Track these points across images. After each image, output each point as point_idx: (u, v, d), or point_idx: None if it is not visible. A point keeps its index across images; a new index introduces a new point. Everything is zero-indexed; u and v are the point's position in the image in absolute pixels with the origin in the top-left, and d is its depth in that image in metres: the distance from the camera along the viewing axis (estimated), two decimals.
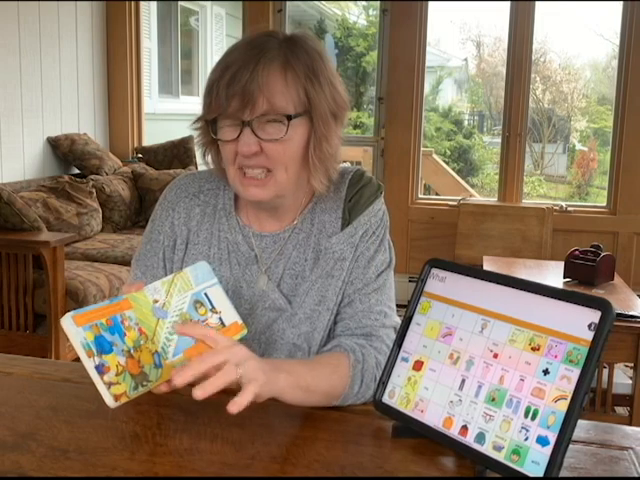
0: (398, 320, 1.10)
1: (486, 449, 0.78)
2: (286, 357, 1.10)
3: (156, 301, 0.93)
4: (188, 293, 0.95)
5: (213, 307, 0.96)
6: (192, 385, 0.82)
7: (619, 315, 2.17)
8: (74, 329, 0.82)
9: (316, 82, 1.04)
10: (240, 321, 0.98)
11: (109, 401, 0.81)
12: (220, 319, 0.96)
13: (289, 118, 1.01)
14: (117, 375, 0.83)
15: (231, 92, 1.00)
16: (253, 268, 1.13)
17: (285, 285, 1.12)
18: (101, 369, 0.82)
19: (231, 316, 0.97)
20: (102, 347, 0.83)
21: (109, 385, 0.81)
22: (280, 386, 0.89)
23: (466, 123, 7.99)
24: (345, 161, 1.22)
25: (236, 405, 0.81)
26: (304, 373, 0.94)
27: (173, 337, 0.91)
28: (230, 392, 1.04)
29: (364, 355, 1.04)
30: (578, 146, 7.57)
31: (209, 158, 1.13)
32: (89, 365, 0.81)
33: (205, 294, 0.97)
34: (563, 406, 0.74)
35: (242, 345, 0.88)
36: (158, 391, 0.89)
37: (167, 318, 0.92)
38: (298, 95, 1.02)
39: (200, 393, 0.80)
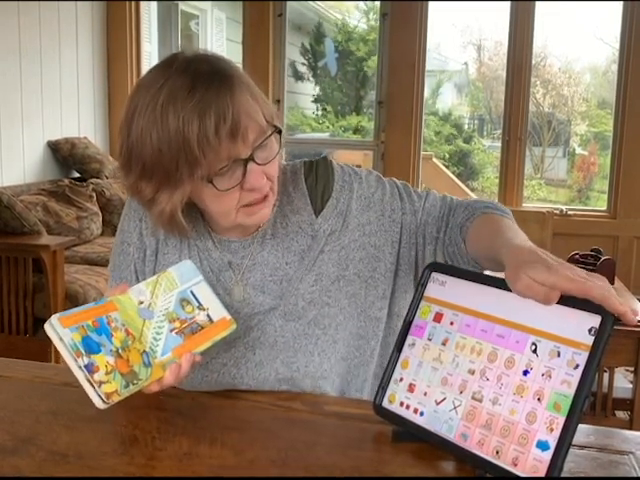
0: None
1: (486, 453, 0.78)
2: (296, 350, 1.08)
3: (141, 302, 0.93)
4: (174, 292, 0.95)
5: (200, 304, 0.96)
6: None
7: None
8: (61, 330, 0.82)
9: (254, 87, 1.00)
10: (229, 316, 0.97)
11: (98, 402, 0.80)
12: (208, 315, 0.96)
13: (279, 132, 1.00)
14: (107, 374, 0.82)
15: (223, 134, 0.92)
16: (227, 275, 1.10)
17: (271, 291, 1.09)
18: (91, 368, 0.81)
19: (219, 312, 0.97)
20: (90, 348, 0.83)
21: (99, 384, 0.81)
22: None
23: (466, 127, 7.98)
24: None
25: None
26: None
27: (161, 337, 0.91)
28: (229, 396, 1.04)
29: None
30: (578, 150, 7.55)
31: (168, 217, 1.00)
32: (77, 365, 0.81)
33: (191, 292, 0.96)
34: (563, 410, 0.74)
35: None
36: (148, 391, 0.89)
37: (153, 318, 0.92)
38: (261, 104, 0.98)
39: None
